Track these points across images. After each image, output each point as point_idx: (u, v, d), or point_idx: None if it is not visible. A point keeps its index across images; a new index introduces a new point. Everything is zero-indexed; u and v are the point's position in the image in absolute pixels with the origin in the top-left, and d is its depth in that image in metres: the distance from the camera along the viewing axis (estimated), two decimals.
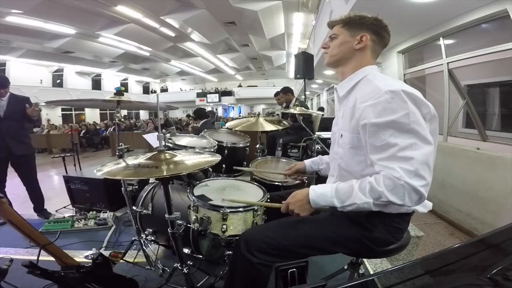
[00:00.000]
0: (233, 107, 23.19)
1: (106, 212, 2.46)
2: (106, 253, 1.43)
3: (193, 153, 1.34)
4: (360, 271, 1.24)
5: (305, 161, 1.36)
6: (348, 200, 0.83)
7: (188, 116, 4.41)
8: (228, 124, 2.35)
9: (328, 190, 0.88)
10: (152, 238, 1.58)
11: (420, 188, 0.75)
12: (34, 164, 2.68)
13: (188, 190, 1.32)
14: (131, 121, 14.08)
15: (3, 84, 2.42)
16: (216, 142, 1.88)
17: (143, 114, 20.03)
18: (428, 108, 0.83)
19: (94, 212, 2.48)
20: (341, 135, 0.98)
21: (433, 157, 0.82)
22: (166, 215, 1.13)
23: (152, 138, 2.39)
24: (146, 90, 22.00)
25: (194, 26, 9.30)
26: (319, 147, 2.80)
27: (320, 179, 1.29)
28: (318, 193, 0.89)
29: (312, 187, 0.91)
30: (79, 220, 2.34)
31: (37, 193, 2.68)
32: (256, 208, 1.17)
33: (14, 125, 2.46)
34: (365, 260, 1.69)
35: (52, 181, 4.88)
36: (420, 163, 0.76)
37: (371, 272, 1.62)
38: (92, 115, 15.93)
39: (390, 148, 0.79)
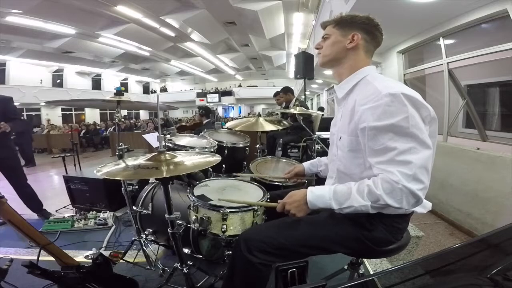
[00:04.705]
0: (233, 107, 23.17)
1: (106, 212, 2.46)
2: (106, 253, 1.43)
3: (193, 153, 1.34)
4: (360, 271, 1.24)
5: (303, 163, 1.36)
6: (346, 202, 0.84)
7: (200, 114, 4.45)
8: (228, 124, 2.35)
9: (326, 192, 0.88)
10: (152, 238, 1.58)
11: (418, 191, 0.76)
12: (18, 167, 2.58)
13: (188, 190, 1.32)
14: (131, 121, 14.06)
15: None
16: (216, 142, 1.87)
17: (143, 114, 20.02)
18: (428, 110, 0.82)
19: (94, 212, 2.48)
20: (340, 138, 0.98)
21: (431, 160, 0.82)
22: (166, 215, 1.13)
23: (152, 138, 2.39)
24: (146, 90, 21.99)
25: (194, 26, 9.29)
26: (319, 147, 2.81)
27: (320, 180, 1.29)
28: (316, 195, 0.89)
29: (310, 188, 0.91)
30: (79, 220, 2.34)
31: (28, 194, 2.55)
32: (256, 208, 1.16)
33: None
34: (365, 260, 1.69)
35: (52, 181, 4.87)
36: (418, 167, 0.76)
37: (371, 272, 1.62)
38: (92, 115, 15.93)
39: (389, 151, 0.79)
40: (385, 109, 0.80)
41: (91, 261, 1.21)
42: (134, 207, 1.58)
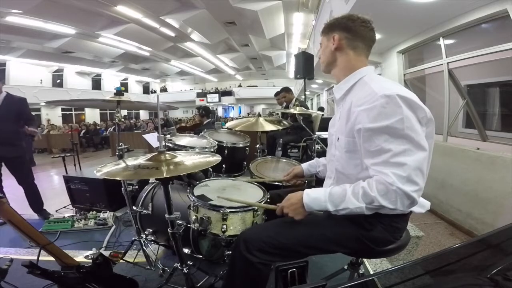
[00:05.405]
0: (233, 107, 23.17)
1: (106, 212, 2.46)
2: (106, 253, 1.43)
3: (193, 153, 1.34)
4: (360, 271, 1.24)
5: (302, 164, 1.37)
6: (342, 204, 0.84)
7: (200, 115, 4.46)
8: (228, 124, 2.35)
9: (322, 195, 0.88)
10: (152, 238, 1.58)
11: (412, 193, 0.76)
12: (28, 165, 2.63)
13: (188, 190, 1.32)
14: (131, 121, 14.07)
15: None
16: (216, 142, 1.88)
17: (143, 114, 20.01)
18: (424, 112, 0.82)
19: (94, 212, 2.48)
20: (338, 138, 0.98)
21: (427, 161, 0.82)
22: (166, 215, 1.13)
23: (152, 138, 2.39)
24: (146, 90, 21.98)
25: (194, 26, 9.29)
26: (319, 147, 2.81)
27: (319, 181, 1.29)
28: (312, 198, 0.89)
29: (306, 191, 0.92)
30: (79, 220, 2.34)
31: (34, 193, 2.62)
32: (256, 208, 1.16)
33: (8, 126, 2.39)
34: (365, 260, 1.69)
35: (52, 181, 4.86)
36: (413, 169, 0.76)
37: (371, 272, 1.62)
38: (92, 115, 15.92)
39: (383, 153, 0.80)
40: (380, 110, 0.80)
41: (91, 261, 1.21)
42: (134, 207, 1.58)
